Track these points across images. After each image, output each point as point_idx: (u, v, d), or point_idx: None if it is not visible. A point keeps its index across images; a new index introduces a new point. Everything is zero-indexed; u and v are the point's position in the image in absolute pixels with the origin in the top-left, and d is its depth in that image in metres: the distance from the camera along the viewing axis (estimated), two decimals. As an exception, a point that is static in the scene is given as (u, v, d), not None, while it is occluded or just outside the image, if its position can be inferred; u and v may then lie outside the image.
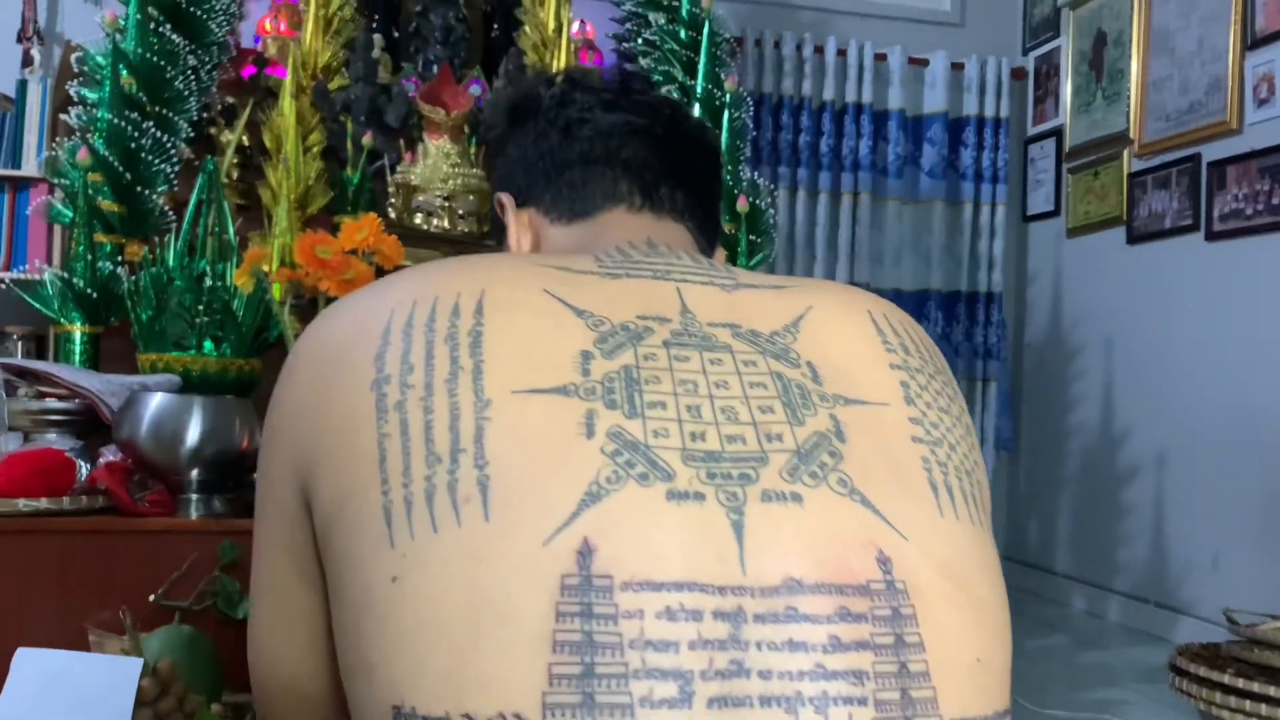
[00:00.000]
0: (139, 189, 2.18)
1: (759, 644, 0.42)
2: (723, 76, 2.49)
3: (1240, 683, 2.11)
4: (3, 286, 2.78)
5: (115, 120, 2.14)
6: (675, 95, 2.53)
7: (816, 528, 0.44)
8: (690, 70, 2.59)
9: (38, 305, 1.99)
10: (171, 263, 1.79)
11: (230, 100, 2.56)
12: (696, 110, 2.39)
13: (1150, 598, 3.05)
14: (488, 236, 2.46)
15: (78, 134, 2.15)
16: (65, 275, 1.98)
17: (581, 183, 0.67)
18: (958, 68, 3.64)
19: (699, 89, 2.47)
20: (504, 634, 0.41)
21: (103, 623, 1.24)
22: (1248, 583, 2.68)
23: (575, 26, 2.87)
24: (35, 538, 1.32)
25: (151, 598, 1.39)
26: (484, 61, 3.03)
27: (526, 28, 2.86)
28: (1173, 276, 3.04)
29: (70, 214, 2.11)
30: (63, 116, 2.24)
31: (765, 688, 0.41)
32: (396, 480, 0.45)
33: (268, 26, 2.77)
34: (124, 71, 2.18)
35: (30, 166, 3.08)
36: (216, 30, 2.40)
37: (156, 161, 2.24)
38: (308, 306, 1.89)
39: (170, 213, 2.22)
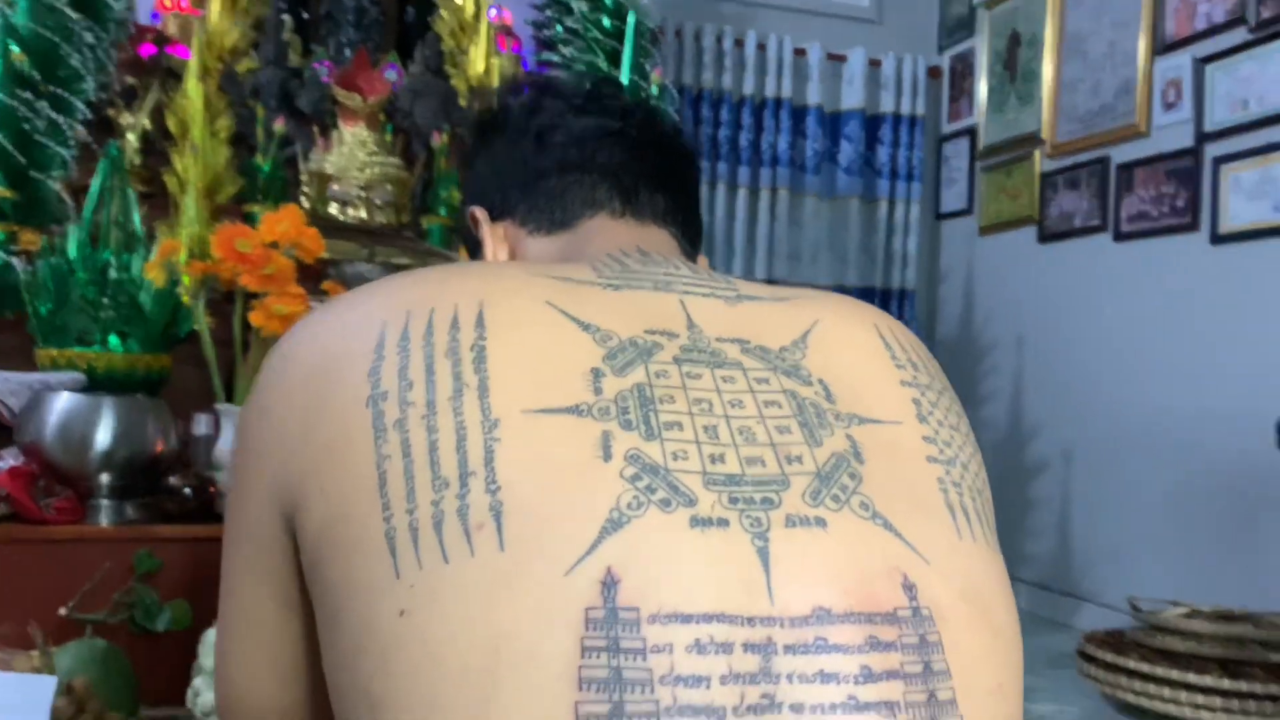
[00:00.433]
0: (33, 174, 2.05)
1: (789, 676, 0.39)
2: (648, 68, 2.46)
3: (1144, 667, 2.18)
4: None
5: (6, 100, 2.02)
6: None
7: (842, 554, 0.42)
8: (614, 61, 2.56)
9: (-77, 297, 1.87)
10: (73, 253, 1.69)
11: (130, 81, 2.43)
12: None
13: (1056, 587, 3.15)
14: (406, 229, 2.39)
15: (-35, 114, 2.01)
16: (-47, 265, 1.86)
17: (559, 191, 0.64)
18: (875, 64, 3.68)
19: (625, 80, 2.44)
20: (526, 672, 0.38)
21: (9, 638, 1.15)
22: (1150, 572, 2.78)
23: (492, 12, 2.81)
24: (-70, 550, 1.23)
25: (62, 611, 1.31)
26: (399, 46, 2.95)
27: (442, 12, 2.79)
28: (1081, 275, 3.13)
29: (-42, 199, 1.98)
30: (-51, 95, 2.09)
31: None
32: (399, 505, 0.41)
33: (167, 2, 2.64)
34: (15, 47, 2.05)
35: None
36: (114, 4, 2.27)
37: (52, 145, 2.12)
38: (222, 301, 1.81)
39: (67, 200, 2.10)
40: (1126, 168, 2.96)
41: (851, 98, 3.67)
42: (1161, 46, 2.84)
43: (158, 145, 2.36)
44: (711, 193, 3.55)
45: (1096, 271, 3.07)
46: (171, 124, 2.29)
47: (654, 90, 2.39)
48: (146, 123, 2.37)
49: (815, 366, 0.49)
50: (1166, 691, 2.14)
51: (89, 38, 2.19)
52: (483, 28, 2.68)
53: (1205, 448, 2.64)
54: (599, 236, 0.61)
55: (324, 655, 0.45)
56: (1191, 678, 2.11)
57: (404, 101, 2.53)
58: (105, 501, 1.44)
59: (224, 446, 1.64)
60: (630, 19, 2.48)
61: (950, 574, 0.44)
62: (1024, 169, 3.37)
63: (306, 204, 2.30)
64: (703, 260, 0.67)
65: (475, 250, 0.68)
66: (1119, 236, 2.99)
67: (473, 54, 2.66)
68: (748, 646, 0.39)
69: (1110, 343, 3.01)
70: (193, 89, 2.22)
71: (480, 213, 0.67)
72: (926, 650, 0.41)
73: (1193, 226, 2.75)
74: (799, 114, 3.65)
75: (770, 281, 3.31)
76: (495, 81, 2.49)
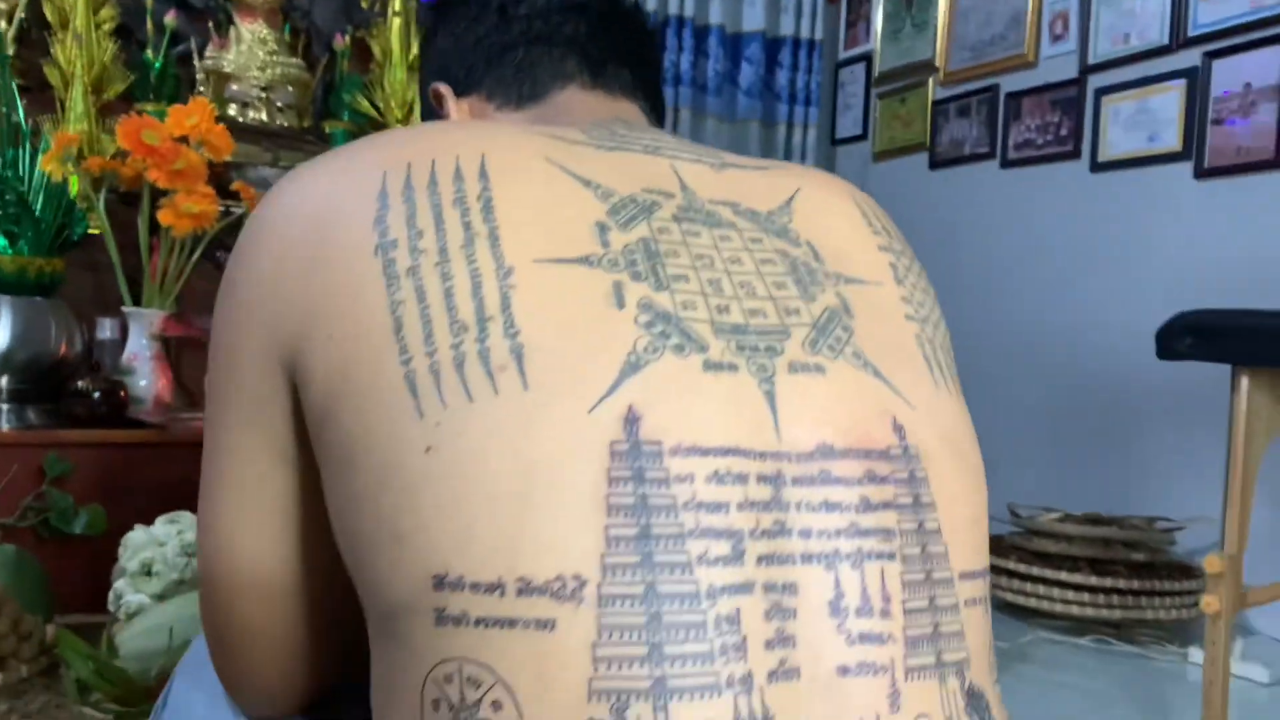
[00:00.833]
0: (-98, 61, 1.91)
1: (798, 505, 0.42)
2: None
3: (1022, 568, 2.34)
4: None
5: None
6: None
7: (840, 397, 0.45)
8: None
9: None
10: (-45, 148, 1.60)
11: (2, -35, 2.27)
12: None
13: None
14: (309, 132, 2.32)
15: None
16: None
17: (527, 64, 0.64)
18: (775, -14, 3.70)
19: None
20: (556, 501, 0.40)
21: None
22: (1029, 482, 2.97)
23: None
24: None
25: (-34, 515, 1.27)
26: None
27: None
28: (970, 201, 3.25)
29: None
30: None
31: (806, 546, 0.42)
32: (418, 349, 0.42)
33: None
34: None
35: None
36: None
37: (-82, 31, 1.97)
38: (123, 201, 1.73)
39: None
40: (1015, 97, 3.06)
41: (753, 19, 3.68)
42: (1052, -22, 2.94)
43: (31, 35, 2.22)
44: (613, 111, 3.53)
45: (983, 197, 3.20)
46: (48, 11, 2.15)
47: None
48: (21, 11, 2.22)
49: (801, 230, 0.51)
50: (1042, 589, 2.30)
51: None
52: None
53: (1083, 364, 2.81)
54: (573, 108, 0.62)
55: (333, 502, 0.46)
56: (1064, 576, 2.27)
57: (302, 0, 2.43)
58: (6, 406, 1.39)
59: (132, 350, 1.59)
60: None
61: (932, 418, 0.48)
62: (917, 96, 3.45)
63: (202, 105, 2.20)
64: None
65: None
66: (1005, 164, 3.11)
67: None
68: (760, 478, 0.42)
69: (996, 265, 3.14)
70: (72, -27, 2.09)
71: (444, 88, 0.67)
72: (915, 485, 0.45)
73: (1074, 155, 2.88)
74: (701, 33, 3.64)
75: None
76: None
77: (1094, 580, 2.27)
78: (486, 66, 0.65)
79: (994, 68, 3.12)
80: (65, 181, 1.64)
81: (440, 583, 0.40)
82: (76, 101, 1.92)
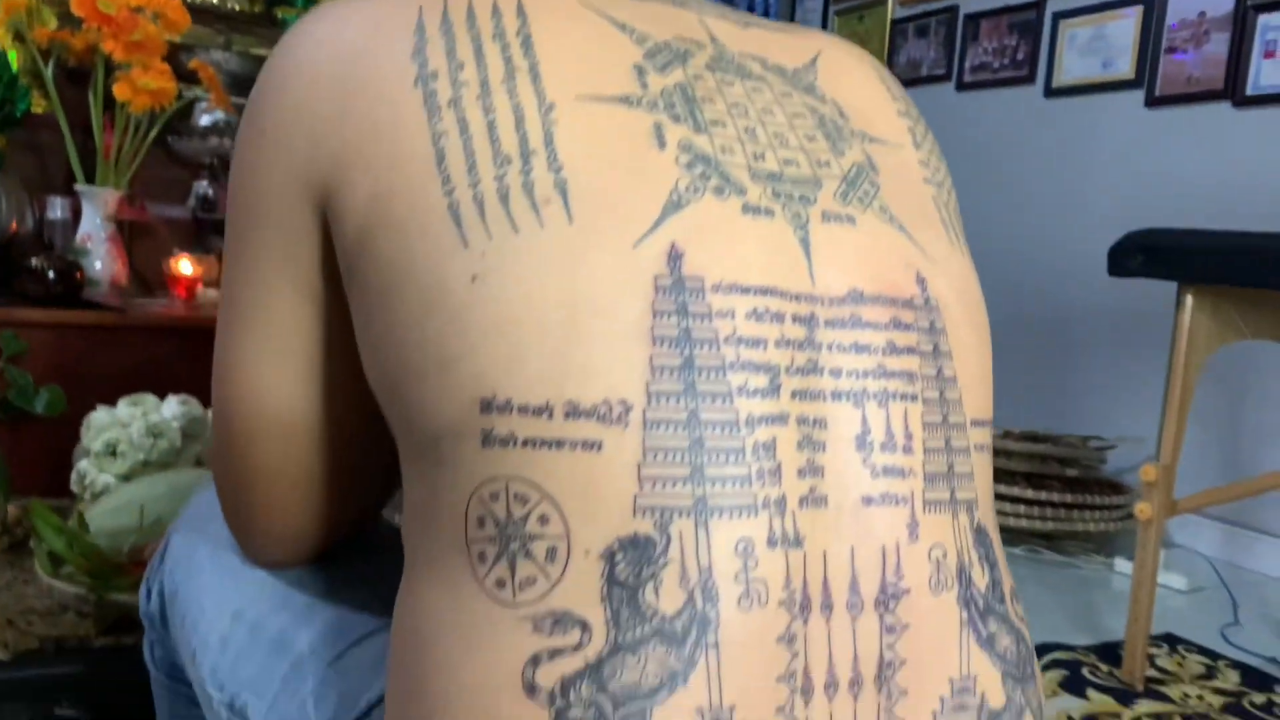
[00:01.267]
0: None
1: (830, 346, 0.44)
2: None
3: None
4: None
5: None
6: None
7: (869, 247, 0.47)
8: None
9: None
10: (-105, 10, 1.52)
11: None
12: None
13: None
14: (262, 17, 2.24)
15: None
16: None
17: None
18: (738, -103, 3.64)
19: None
20: (603, 328, 0.41)
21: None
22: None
23: None
24: None
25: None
26: None
27: None
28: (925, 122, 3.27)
29: None
30: None
31: (836, 384, 0.44)
32: (461, 179, 0.43)
33: None
34: None
35: None
36: None
37: None
38: (70, 78, 1.67)
39: None
40: (974, 18, 3.07)
41: (714, -71, 3.62)
42: (1016, -102, 2.93)
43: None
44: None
45: (938, 119, 3.21)
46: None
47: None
48: None
49: (827, 88, 0.52)
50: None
51: None
52: None
53: (1030, 286, 2.87)
54: None
55: (369, 335, 0.46)
56: (1001, 489, 2.36)
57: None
58: (-44, 283, 1.35)
59: (86, 231, 1.55)
60: None
61: (949, 275, 0.49)
62: (876, 15, 3.45)
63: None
64: None
65: None
66: (961, 86, 3.13)
67: None
68: (795, 318, 0.44)
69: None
70: None
71: None
72: (935, 334, 0.47)
73: (1029, 79, 2.91)
74: (662, -59, 3.58)
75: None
76: None
77: (1029, 493, 2.37)
78: None
79: (954, -12, 3.12)
80: (4, 55, 1.57)
81: (488, 406, 0.41)
82: (16, -31, 1.83)
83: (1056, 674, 1.72)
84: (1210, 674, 1.80)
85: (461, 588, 0.41)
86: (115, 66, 1.47)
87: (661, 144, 0.44)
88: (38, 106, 1.74)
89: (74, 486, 1.26)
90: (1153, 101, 2.56)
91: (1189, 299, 1.60)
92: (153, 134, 1.61)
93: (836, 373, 0.44)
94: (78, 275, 1.45)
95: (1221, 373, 2.36)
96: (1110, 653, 1.83)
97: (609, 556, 0.40)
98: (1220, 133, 2.42)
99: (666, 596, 0.39)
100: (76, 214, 1.61)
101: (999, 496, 2.37)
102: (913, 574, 0.44)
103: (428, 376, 0.43)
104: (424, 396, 0.43)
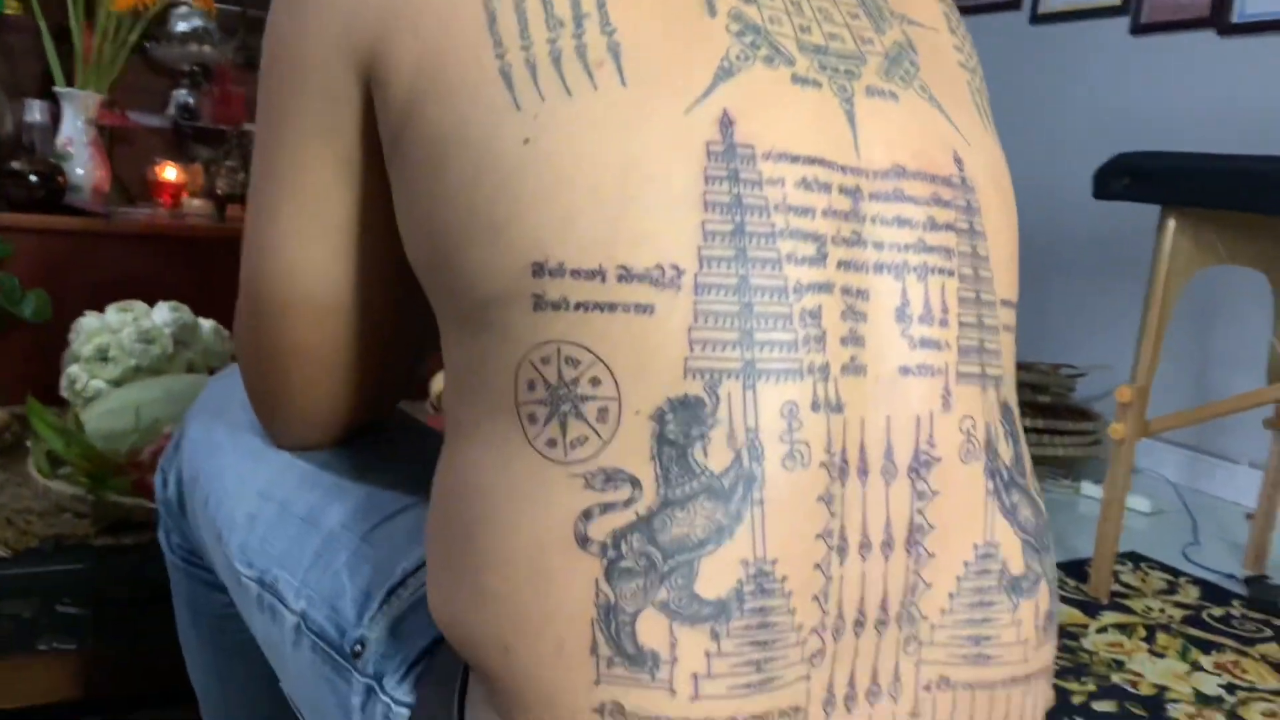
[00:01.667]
0: None
1: (873, 219, 0.45)
2: None
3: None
4: None
5: None
6: None
7: (910, 123, 0.47)
8: None
9: None
10: None
11: None
12: None
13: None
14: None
15: None
16: None
17: None
18: None
19: None
20: (655, 193, 0.41)
21: None
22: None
23: None
24: None
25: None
26: None
27: None
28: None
29: None
30: None
31: (879, 256, 0.45)
32: (513, 42, 0.43)
33: None
34: None
35: None
36: None
37: None
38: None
39: None
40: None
41: None
42: None
43: None
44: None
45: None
46: None
47: None
48: None
49: None
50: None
51: None
52: None
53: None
54: None
55: (415, 206, 0.46)
56: (974, 411, 2.40)
57: None
58: (-64, 184, 1.32)
59: (67, 135, 1.51)
60: None
61: (983, 157, 0.50)
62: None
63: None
64: None
65: None
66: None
67: None
68: (842, 189, 0.44)
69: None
70: None
71: None
72: (970, 213, 0.48)
73: (1015, 5, 2.89)
74: None
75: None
76: None
77: (1002, 417, 2.41)
78: None
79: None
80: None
81: (540, 270, 0.41)
82: None
83: (1028, 587, 1.77)
84: (1171, 589, 1.86)
85: (511, 448, 0.42)
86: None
87: (712, 11, 0.44)
88: (10, 8, 1.69)
89: (64, 392, 1.25)
90: (1138, 29, 2.56)
91: (1171, 222, 1.63)
92: (134, 35, 1.57)
93: (879, 245, 0.45)
94: (60, 180, 1.42)
95: (1192, 301, 2.40)
96: (1077, 569, 1.89)
97: (659, 417, 0.41)
98: (1205, 61, 2.43)
99: (715, 455, 0.41)
100: (55, 120, 1.57)
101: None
102: (944, 443, 0.45)
103: (478, 242, 0.43)
104: (473, 262, 0.43)
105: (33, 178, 1.40)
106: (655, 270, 0.41)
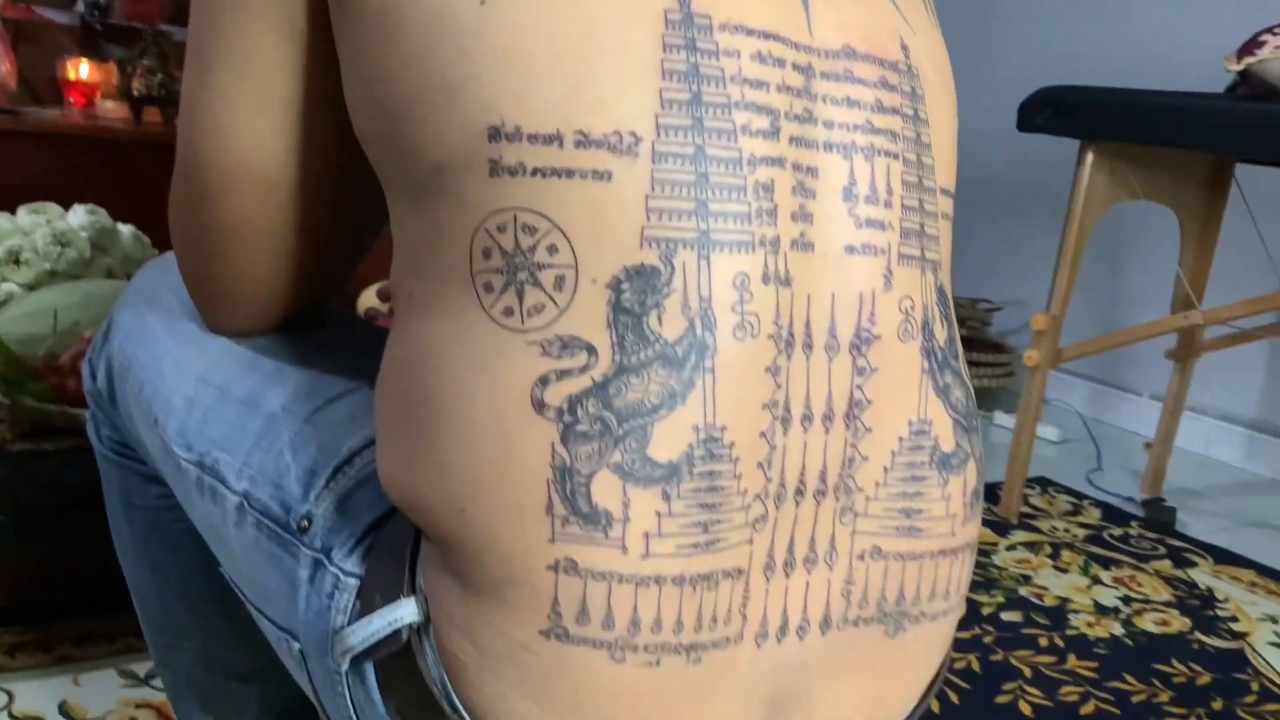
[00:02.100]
0: None
1: (824, 98, 0.46)
2: None
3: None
4: None
5: None
6: None
7: (860, 9, 0.48)
8: None
9: None
10: None
11: None
12: None
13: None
14: None
15: None
16: None
17: None
18: None
19: None
20: (614, 59, 0.41)
21: None
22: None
23: None
24: None
25: None
26: None
27: None
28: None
29: None
30: None
31: (829, 135, 0.46)
32: None
33: None
34: None
35: None
36: None
37: None
38: None
39: None
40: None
41: None
42: None
43: None
44: None
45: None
46: None
47: None
48: None
49: None
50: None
51: None
52: None
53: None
54: None
55: (363, 73, 0.45)
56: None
57: None
58: None
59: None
60: None
61: (928, 47, 0.51)
62: None
63: None
64: None
65: None
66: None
67: None
68: (795, 66, 0.45)
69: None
70: None
71: None
72: (915, 100, 0.49)
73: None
74: None
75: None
76: None
77: (921, 348, 2.47)
78: None
79: None
80: None
81: (496, 134, 0.41)
82: None
83: (941, 508, 1.84)
84: (1076, 511, 1.95)
85: (467, 317, 0.43)
86: None
87: None
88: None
89: (-25, 295, 1.20)
90: (1063, -32, 2.60)
91: (1090, 156, 1.67)
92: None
93: (830, 124, 0.46)
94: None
95: (1104, 238, 2.48)
96: (989, 492, 1.97)
97: (616, 285, 0.41)
98: None
99: (669, 323, 0.42)
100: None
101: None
102: (884, 321, 0.47)
103: (432, 105, 0.42)
104: (427, 127, 0.43)
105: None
106: (613, 136, 0.41)
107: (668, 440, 0.41)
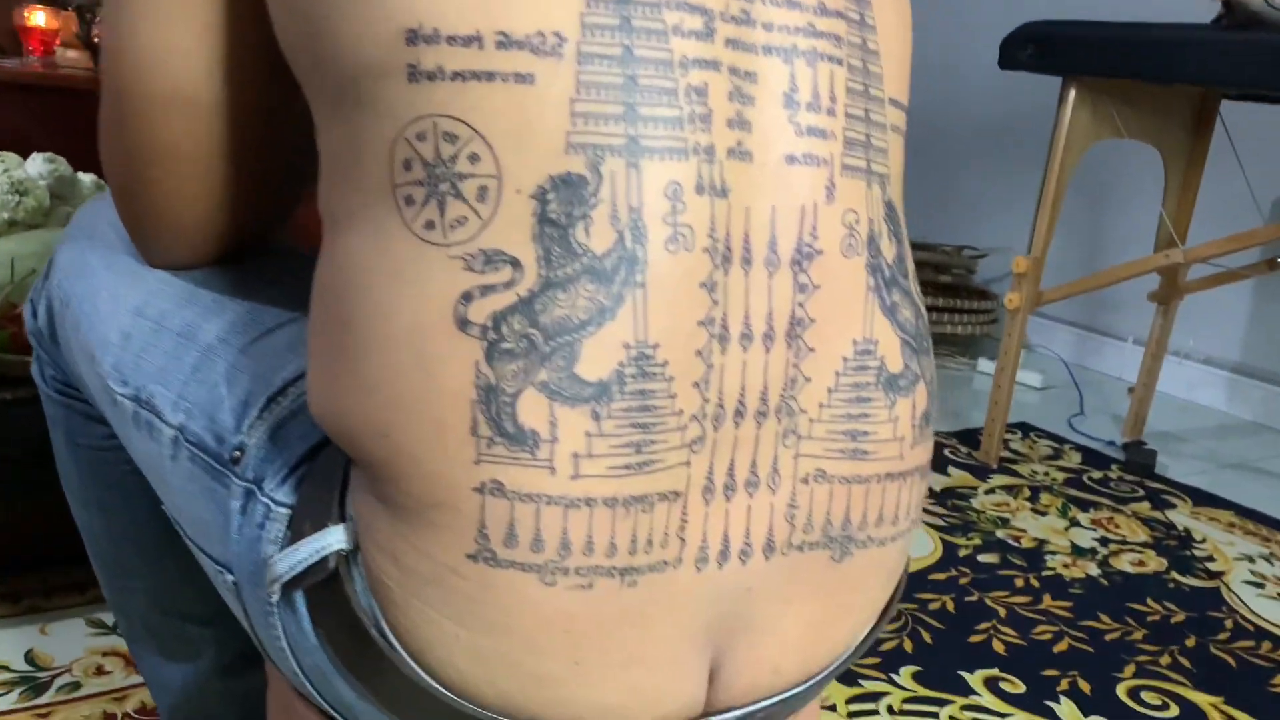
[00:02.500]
0: None
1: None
2: None
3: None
4: None
5: None
6: None
7: None
8: None
9: None
10: None
11: None
12: None
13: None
14: None
15: None
16: None
17: None
18: None
19: None
20: None
21: None
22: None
23: None
24: None
25: None
26: None
27: None
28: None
29: None
30: None
31: (768, 38, 0.44)
32: None
33: None
34: None
35: None
36: None
37: None
38: None
39: None
40: None
41: None
42: None
43: None
44: None
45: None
46: None
47: None
48: None
49: None
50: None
51: None
52: None
53: (917, 96, 2.90)
54: None
55: None
56: (877, 290, 2.45)
57: None
58: None
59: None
60: None
61: None
62: None
63: None
64: None
65: None
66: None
67: None
68: None
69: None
70: None
71: None
72: (862, 4, 0.47)
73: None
74: None
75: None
76: None
77: (904, 296, 2.46)
78: None
79: None
80: None
81: (414, 37, 0.39)
82: None
83: (922, 453, 1.84)
84: (1057, 455, 1.95)
85: (388, 233, 0.41)
86: None
87: None
88: None
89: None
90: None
91: (1072, 93, 1.65)
92: None
93: (769, 26, 0.44)
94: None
95: (1086, 179, 2.46)
96: (970, 437, 1.97)
97: (540, 195, 0.40)
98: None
99: (597, 235, 0.40)
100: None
101: (876, 299, 2.46)
102: (827, 236, 0.45)
103: (349, 9, 0.41)
104: (343, 31, 0.41)
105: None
106: (536, 37, 0.39)
107: (597, 358, 0.40)
